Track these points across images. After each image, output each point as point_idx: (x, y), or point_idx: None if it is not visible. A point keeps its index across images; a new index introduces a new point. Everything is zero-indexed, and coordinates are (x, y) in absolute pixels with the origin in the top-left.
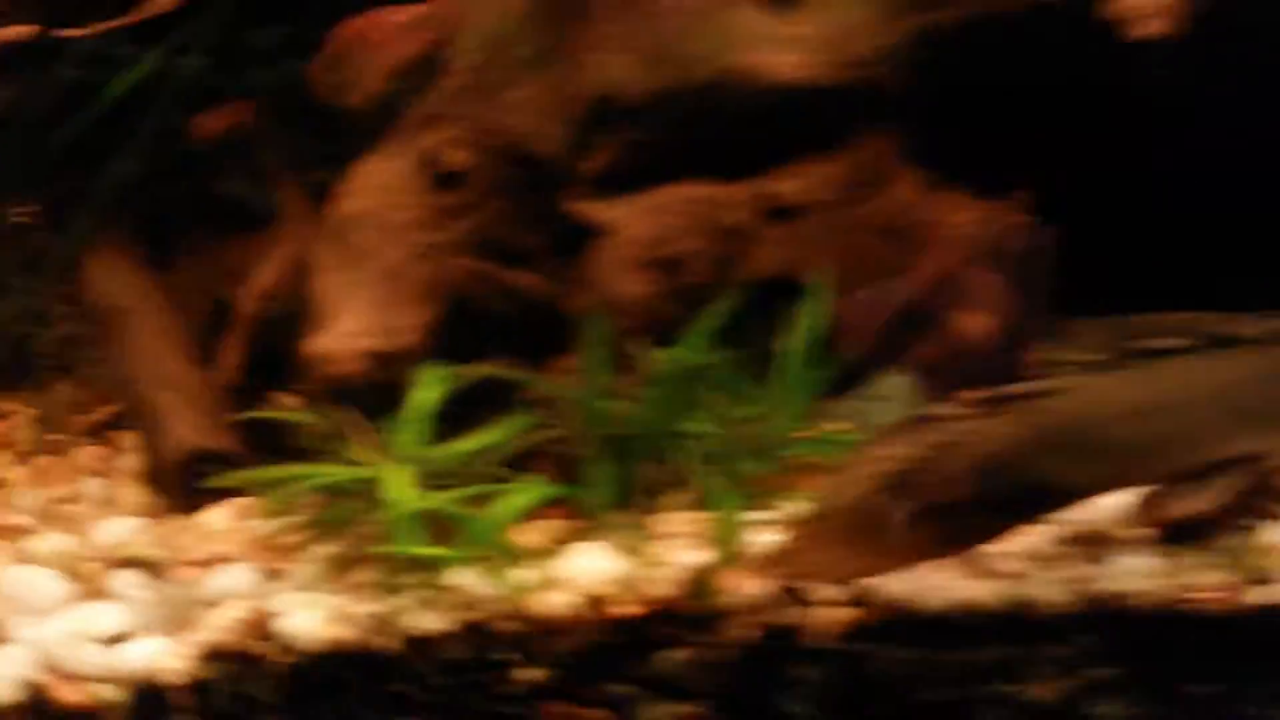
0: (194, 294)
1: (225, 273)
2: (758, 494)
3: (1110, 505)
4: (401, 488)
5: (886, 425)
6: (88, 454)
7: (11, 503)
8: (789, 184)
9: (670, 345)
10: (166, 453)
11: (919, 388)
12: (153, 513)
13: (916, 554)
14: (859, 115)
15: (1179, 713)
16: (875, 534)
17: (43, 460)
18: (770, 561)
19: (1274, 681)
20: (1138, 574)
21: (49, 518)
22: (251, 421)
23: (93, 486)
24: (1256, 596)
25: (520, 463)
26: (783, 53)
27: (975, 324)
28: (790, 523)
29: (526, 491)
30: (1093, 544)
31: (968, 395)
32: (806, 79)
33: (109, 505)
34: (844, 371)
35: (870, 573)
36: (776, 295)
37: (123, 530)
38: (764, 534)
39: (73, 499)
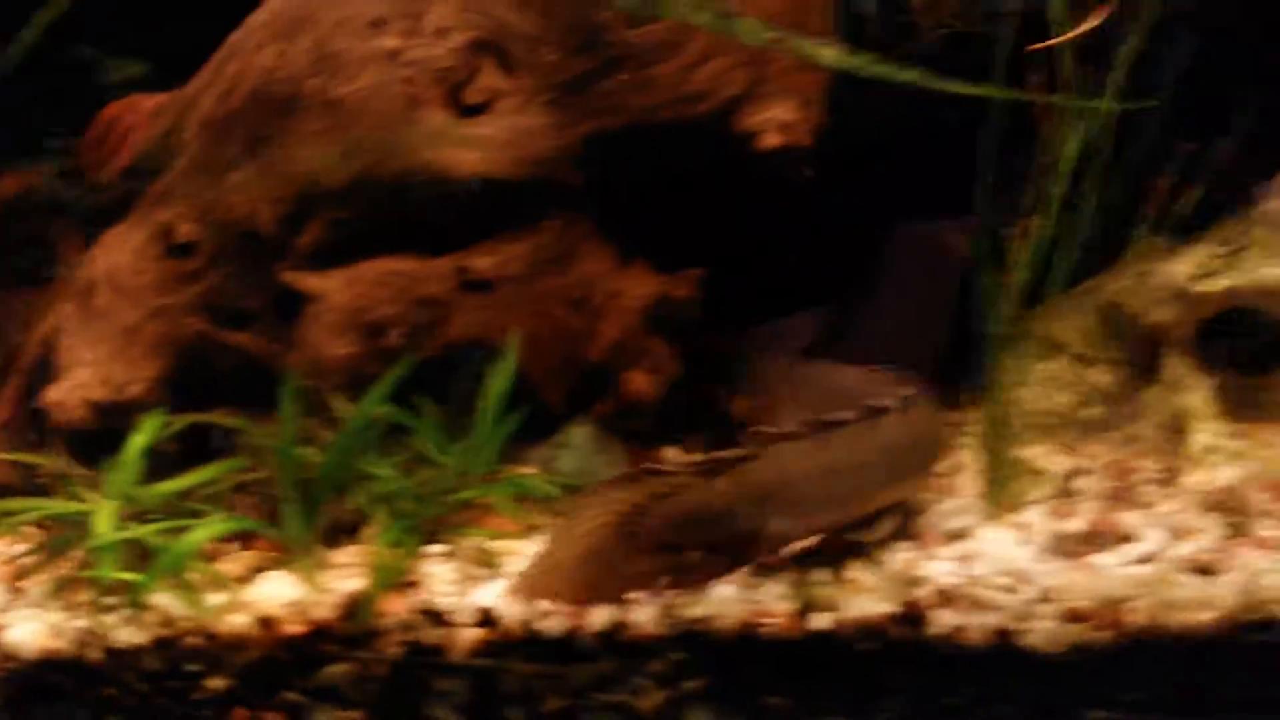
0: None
1: (20, 322)
2: (433, 531)
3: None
4: (104, 521)
5: (608, 476)
6: None
7: None
8: (482, 260)
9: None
10: None
11: (599, 437)
12: None
13: (640, 585)
14: (543, 203)
15: (757, 717)
16: (604, 566)
17: None
18: (515, 587)
19: (833, 697)
20: (729, 600)
21: None
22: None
23: None
24: (815, 623)
25: (232, 500)
26: (466, 150)
27: (642, 381)
28: (535, 553)
29: (213, 525)
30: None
31: (685, 459)
32: (486, 173)
33: None
34: (535, 422)
35: (600, 599)
36: (482, 358)
37: None
38: (432, 565)
39: None
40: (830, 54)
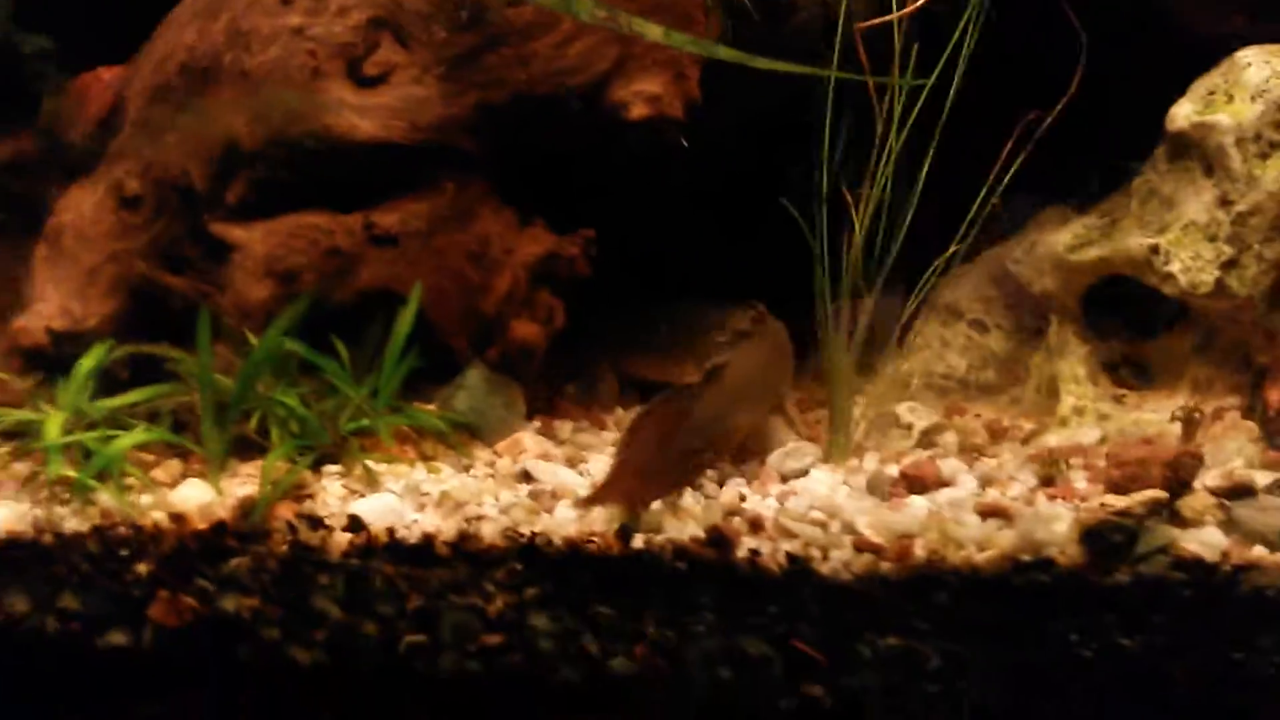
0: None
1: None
2: (334, 453)
3: None
4: (53, 428)
5: (500, 414)
6: None
7: None
8: (387, 217)
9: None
10: None
11: (493, 379)
12: None
13: (681, 484)
14: (439, 167)
15: (587, 624)
16: (659, 471)
17: None
18: (598, 492)
19: (650, 609)
20: (564, 521)
21: None
22: None
23: None
24: (635, 543)
25: (172, 418)
26: (363, 117)
27: (529, 331)
28: (609, 463)
29: (137, 434)
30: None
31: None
32: (383, 138)
33: None
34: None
35: (654, 499)
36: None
37: None
38: (327, 481)
39: None
40: (656, 31)
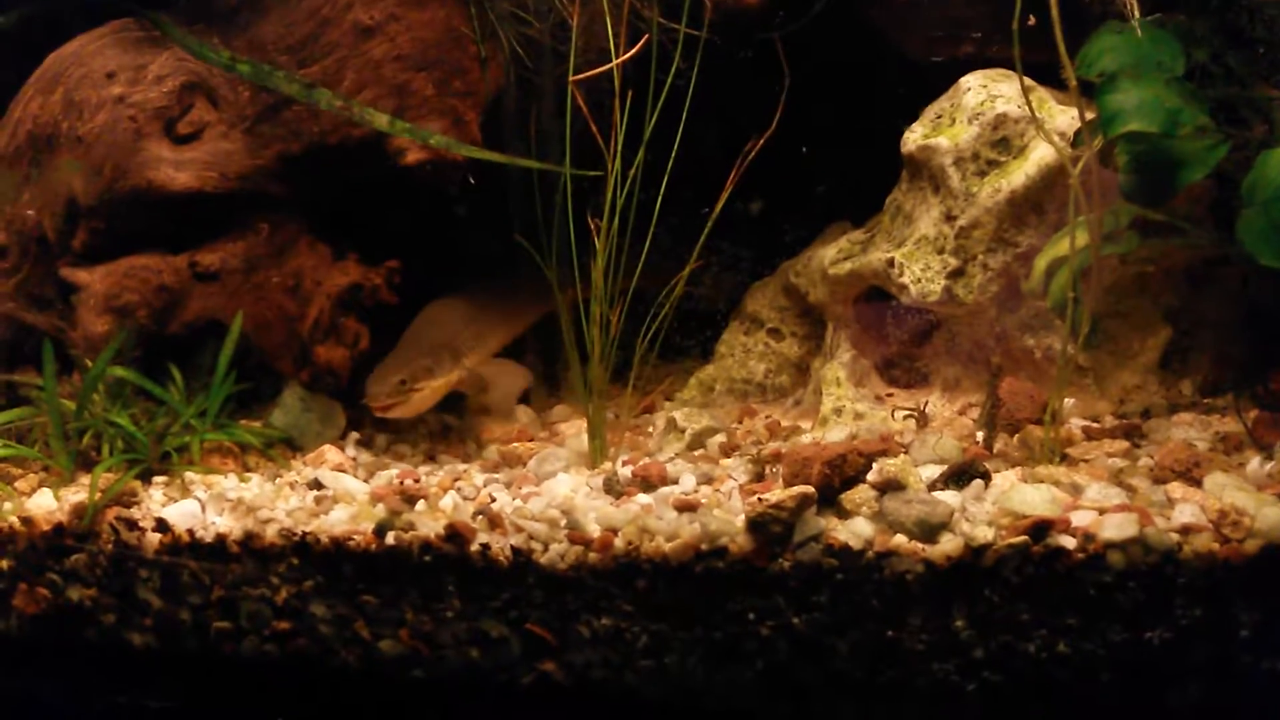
0: None
1: None
2: (162, 465)
3: None
4: None
5: (316, 430)
6: None
7: None
8: (208, 256)
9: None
10: None
11: (308, 397)
12: None
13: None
14: (251, 211)
15: (357, 611)
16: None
17: None
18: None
19: (406, 597)
20: (334, 520)
21: None
22: None
23: None
24: (388, 539)
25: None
26: (179, 171)
27: (334, 354)
28: None
29: None
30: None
31: None
32: (198, 188)
33: None
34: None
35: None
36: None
37: None
38: (154, 490)
39: None
40: (381, 120)
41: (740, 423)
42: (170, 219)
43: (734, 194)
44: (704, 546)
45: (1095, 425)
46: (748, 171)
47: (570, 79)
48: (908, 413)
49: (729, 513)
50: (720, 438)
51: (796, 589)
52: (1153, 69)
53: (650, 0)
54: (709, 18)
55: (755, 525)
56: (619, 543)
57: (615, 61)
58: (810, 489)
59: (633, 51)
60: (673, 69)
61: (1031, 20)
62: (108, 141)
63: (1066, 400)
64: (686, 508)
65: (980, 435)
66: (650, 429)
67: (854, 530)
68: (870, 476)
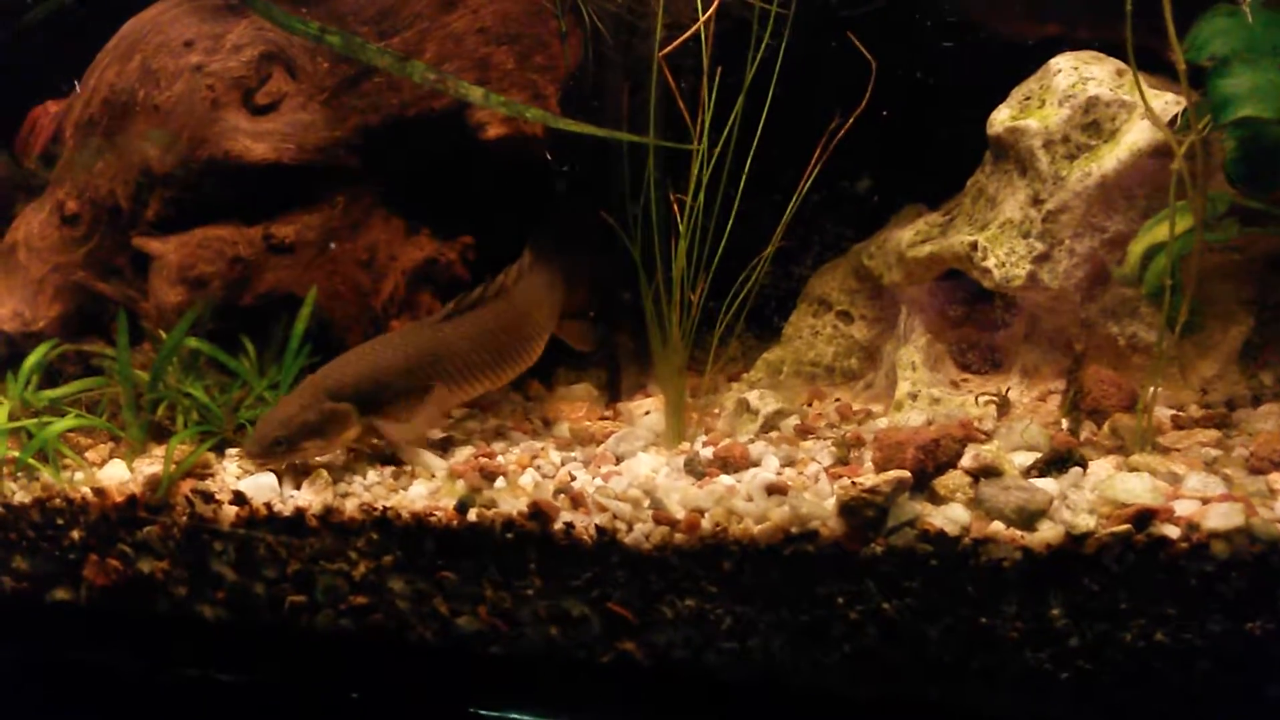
0: None
1: None
2: (229, 435)
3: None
4: (0, 416)
5: None
6: None
7: None
8: (284, 228)
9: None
10: None
11: None
12: None
13: None
14: (328, 183)
15: (436, 587)
16: None
17: None
18: None
19: (487, 574)
20: (415, 495)
21: None
22: None
23: None
24: (470, 516)
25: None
26: (257, 141)
27: None
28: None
29: (68, 421)
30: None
31: None
32: (275, 159)
33: None
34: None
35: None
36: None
37: None
38: (228, 462)
39: None
40: (477, 93)
41: (810, 405)
42: (246, 190)
43: (809, 175)
44: (794, 529)
45: (1182, 414)
46: (814, 151)
47: (656, 54)
48: (989, 398)
49: (817, 496)
50: (794, 420)
51: (888, 574)
52: (1267, 53)
53: None
54: None
55: (848, 509)
56: (706, 524)
57: (692, 32)
58: (906, 474)
59: (701, 21)
60: (761, 46)
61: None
62: (184, 110)
63: (1151, 389)
64: (775, 490)
65: (1065, 423)
66: (716, 410)
67: (949, 516)
68: (965, 462)
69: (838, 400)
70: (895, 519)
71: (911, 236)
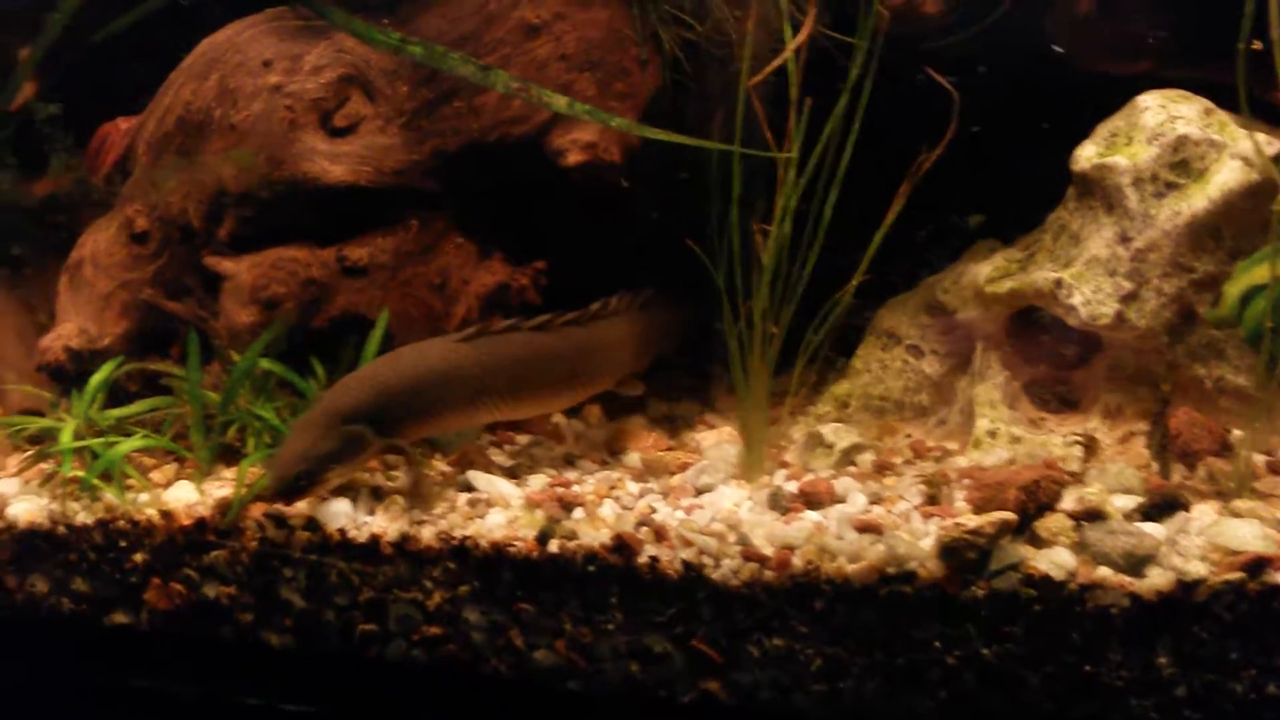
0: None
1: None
2: None
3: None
4: (67, 434)
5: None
6: None
7: None
8: (357, 250)
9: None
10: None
11: None
12: None
13: None
14: (403, 206)
15: (513, 619)
16: None
17: None
18: None
19: (565, 604)
20: (492, 525)
21: None
22: None
23: None
24: (551, 547)
25: (172, 427)
26: (334, 163)
27: None
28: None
29: (135, 441)
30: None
31: None
32: (351, 181)
33: None
34: None
35: None
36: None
37: None
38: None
39: None
40: (560, 102)
41: (880, 440)
42: (321, 211)
43: (884, 209)
44: (890, 570)
45: (1274, 458)
46: (893, 185)
47: (747, 82)
48: (1075, 439)
49: (911, 535)
50: (870, 455)
51: (989, 618)
52: None
53: (824, 7)
54: (883, 26)
55: (949, 551)
56: (797, 561)
57: (779, 62)
58: (1011, 515)
59: (789, 51)
60: (851, 77)
61: (1257, 45)
62: (262, 131)
63: (1239, 432)
64: (869, 529)
65: (1155, 466)
66: (781, 442)
67: (1054, 560)
68: (1066, 504)
69: (909, 436)
70: (998, 562)
71: (990, 272)
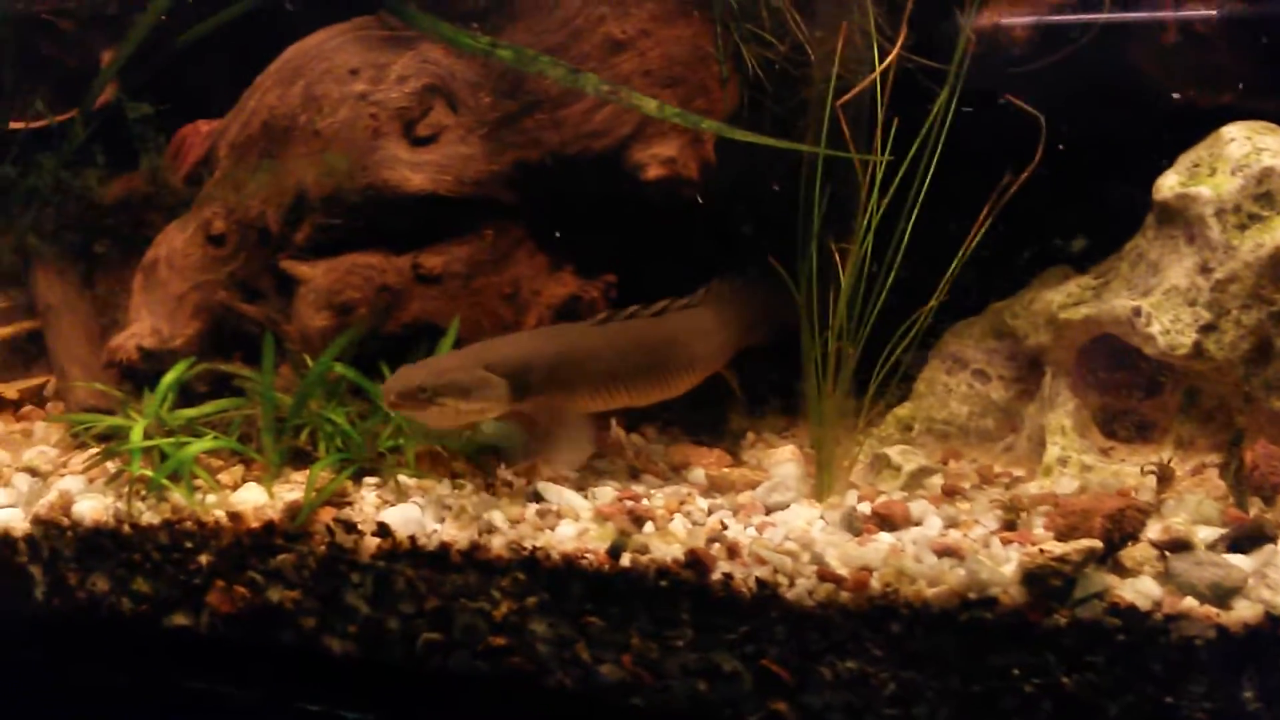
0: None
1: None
2: (374, 465)
3: None
4: (136, 434)
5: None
6: None
7: None
8: (432, 259)
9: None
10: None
11: None
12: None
13: None
14: (479, 216)
15: (579, 632)
16: None
17: None
18: None
19: (633, 618)
20: (563, 537)
21: None
22: None
23: None
24: (622, 561)
25: (240, 429)
26: (415, 172)
27: None
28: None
29: (205, 442)
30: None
31: None
32: (432, 190)
33: None
34: None
35: None
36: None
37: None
38: (365, 490)
39: None
40: (651, 105)
41: (945, 464)
42: (399, 219)
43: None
44: (971, 595)
45: None
46: (968, 209)
47: (835, 102)
48: (1150, 468)
49: (991, 560)
50: (938, 478)
51: (1071, 647)
52: None
53: (911, 32)
54: (968, 51)
55: (1032, 577)
56: (875, 583)
57: (865, 84)
58: (1098, 543)
59: (876, 74)
60: (938, 103)
61: None
62: (346, 138)
63: None
64: (948, 552)
65: (1231, 498)
66: (847, 463)
67: (1140, 590)
68: (1151, 534)
69: (974, 461)
70: (1083, 590)
71: (1063, 299)
